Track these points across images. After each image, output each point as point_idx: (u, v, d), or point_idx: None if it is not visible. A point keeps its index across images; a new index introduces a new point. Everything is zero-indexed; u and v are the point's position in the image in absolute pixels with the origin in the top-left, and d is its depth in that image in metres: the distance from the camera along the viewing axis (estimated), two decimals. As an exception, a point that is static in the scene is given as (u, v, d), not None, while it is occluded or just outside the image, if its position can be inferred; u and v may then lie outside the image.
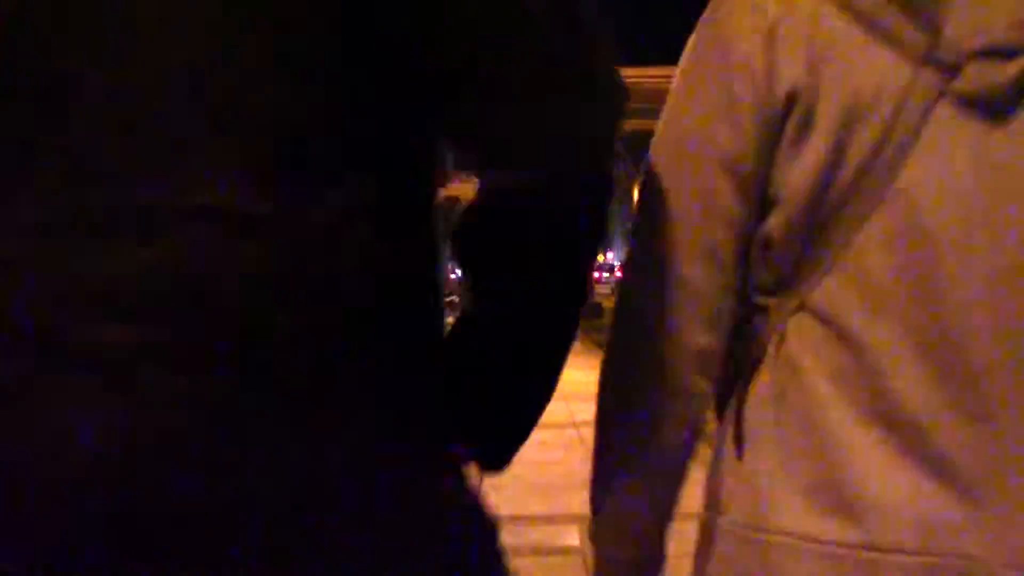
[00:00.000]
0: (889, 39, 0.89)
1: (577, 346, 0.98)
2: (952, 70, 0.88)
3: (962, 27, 0.88)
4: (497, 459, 0.93)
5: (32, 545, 0.72)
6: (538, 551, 4.28)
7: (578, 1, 0.77)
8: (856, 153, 0.91)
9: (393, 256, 0.77)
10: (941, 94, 0.89)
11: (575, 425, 7.30)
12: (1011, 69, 0.87)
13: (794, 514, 0.93)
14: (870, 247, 0.91)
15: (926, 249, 0.89)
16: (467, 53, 0.74)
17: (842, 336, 0.93)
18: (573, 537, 3.58)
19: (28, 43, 0.70)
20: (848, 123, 0.91)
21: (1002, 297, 0.88)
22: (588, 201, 0.81)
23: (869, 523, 0.90)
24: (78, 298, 0.71)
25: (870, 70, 0.90)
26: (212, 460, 0.71)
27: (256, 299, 0.71)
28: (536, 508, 5.16)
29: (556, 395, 0.97)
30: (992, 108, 0.89)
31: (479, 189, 0.82)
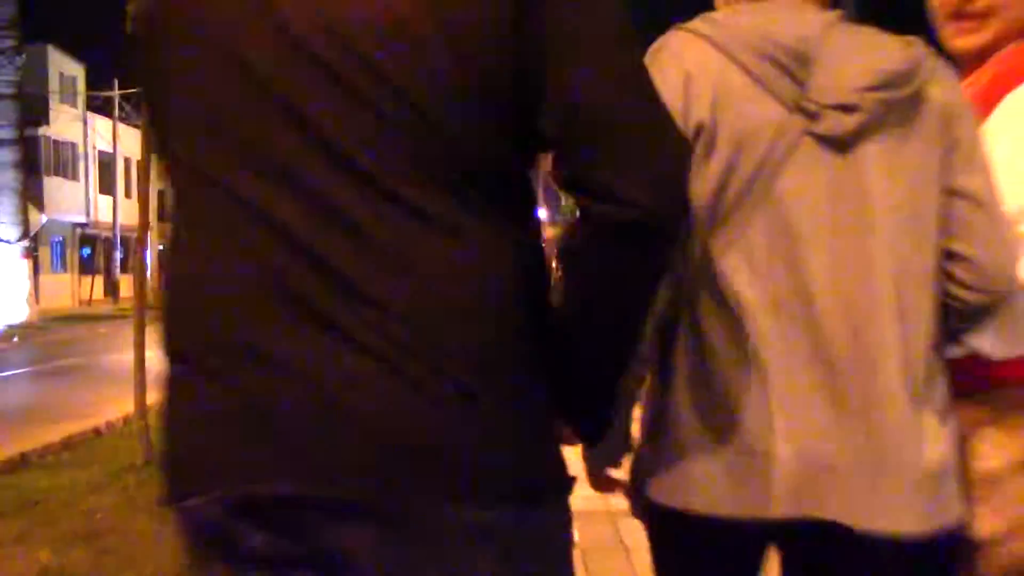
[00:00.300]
0: (771, 92, 1.29)
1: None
2: (813, 117, 1.29)
3: (821, 88, 1.28)
4: (595, 433, 1.27)
5: (345, 474, 1.01)
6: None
7: (647, 75, 1.06)
8: (744, 170, 1.29)
9: (531, 251, 1.11)
10: (805, 132, 1.29)
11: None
12: (851, 121, 1.28)
13: (694, 426, 1.32)
14: (755, 233, 1.29)
15: (792, 236, 1.29)
16: (576, 117, 1.03)
17: (732, 296, 1.29)
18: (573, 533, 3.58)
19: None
20: (738, 149, 1.29)
21: (841, 266, 1.29)
22: (667, 231, 1.07)
23: (745, 434, 1.30)
24: (329, 280, 1.03)
25: (756, 113, 1.27)
26: (443, 404, 1.02)
27: (463, 280, 1.05)
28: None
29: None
30: (839, 144, 1.29)
31: (581, 219, 1.08)
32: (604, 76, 1.03)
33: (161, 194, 55.65)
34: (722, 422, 1.30)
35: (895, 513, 1.28)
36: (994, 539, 1.41)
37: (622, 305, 1.12)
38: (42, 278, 31.76)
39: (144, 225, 7.02)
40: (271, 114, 1.06)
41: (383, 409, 1.00)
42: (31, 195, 25.04)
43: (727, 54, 1.29)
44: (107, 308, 33.46)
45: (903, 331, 1.31)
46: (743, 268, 1.28)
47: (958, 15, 1.60)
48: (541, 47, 1.02)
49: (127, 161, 41.37)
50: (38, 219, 24.89)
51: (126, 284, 38.13)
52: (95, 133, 39.89)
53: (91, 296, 37.54)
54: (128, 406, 7.53)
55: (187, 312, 1.12)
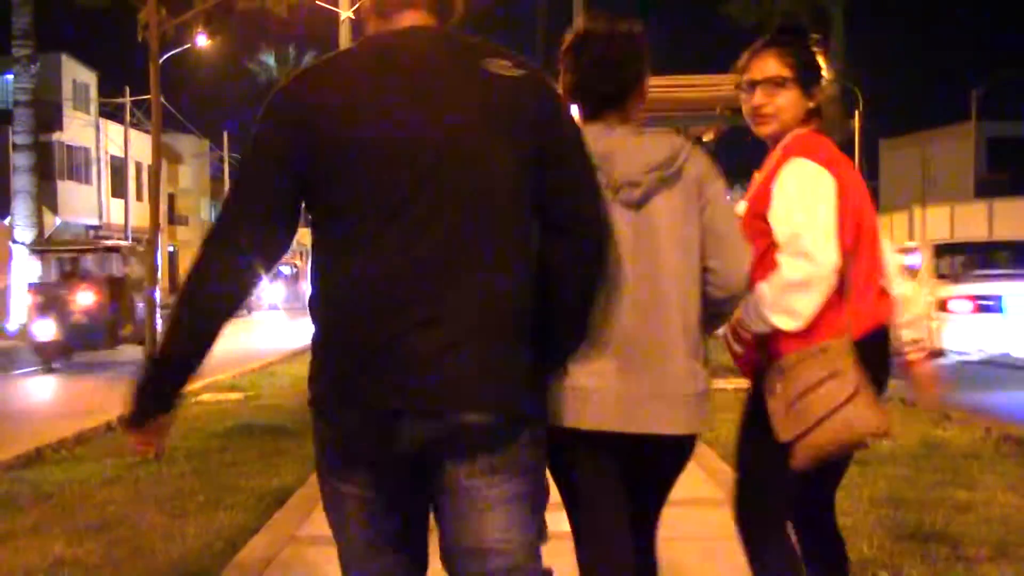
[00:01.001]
0: None
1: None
2: (616, 191, 2.13)
3: (619, 172, 2.13)
4: (558, 364, 2.10)
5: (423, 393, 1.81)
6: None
7: (595, 172, 2.01)
8: None
9: (532, 269, 1.90)
10: (614, 200, 2.13)
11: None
12: (637, 192, 2.14)
13: (557, 375, 2.12)
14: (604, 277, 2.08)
15: (615, 262, 2.10)
16: (577, 195, 1.93)
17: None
18: (566, 522, 3.56)
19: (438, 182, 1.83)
20: None
21: (642, 275, 2.14)
22: (603, 250, 2.02)
23: (579, 377, 2.12)
24: (429, 309, 1.81)
25: None
26: (490, 372, 1.83)
27: (509, 308, 1.86)
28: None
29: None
30: (634, 205, 2.15)
31: (558, 248, 1.93)
32: (586, 175, 1.95)
33: (171, 197, 55.09)
34: (569, 372, 2.12)
35: (677, 423, 2.18)
36: (788, 402, 2.38)
37: (592, 283, 2.01)
38: (56, 279, 31.61)
39: (155, 227, 7.02)
40: (406, 193, 1.82)
41: (460, 367, 1.80)
42: (45, 198, 24.97)
43: None
44: (119, 308, 33.37)
45: (682, 315, 2.18)
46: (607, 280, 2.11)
47: (753, 116, 2.61)
48: (555, 168, 1.88)
49: (138, 165, 41.31)
50: (52, 221, 24.80)
51: (137, 284, 38.04)
52: (107, 138, 39.83)
53: (103, 296, 37.41)
54: (139, 402, 7.52)
55: (347, 300, 1.85)
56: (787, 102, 2.55)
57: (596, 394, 2.11)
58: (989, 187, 40.10)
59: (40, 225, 22.62)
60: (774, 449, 2.39)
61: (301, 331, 16.77)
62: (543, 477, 1.97)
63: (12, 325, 21.33)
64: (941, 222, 39.16)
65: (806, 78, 2.56)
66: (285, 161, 1.85)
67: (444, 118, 1.82)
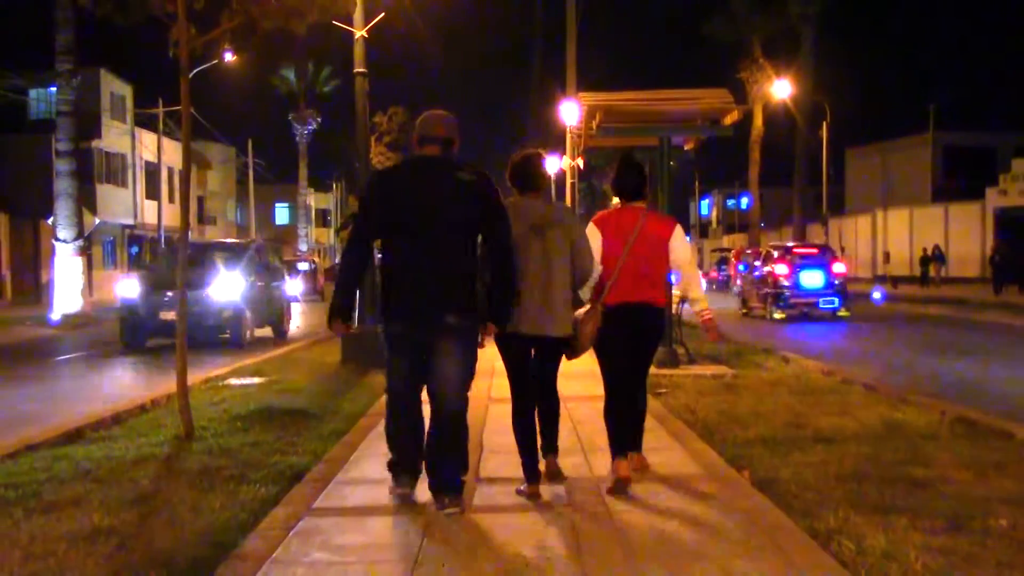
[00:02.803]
0: (522, 220, 4.67)
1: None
2: (532, 227, 4.71)
3: (533, 220, 4.73)
4: (504, 318, 4.62)
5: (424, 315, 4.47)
6: (529, 508, 4.35)
7: (509, 218, 4.66)
8: (518, 236, 4.68)
9: (474, 265, 4.60)
10: (531, 232, 4.70)
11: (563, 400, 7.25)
12: (541, 229, 4.73)
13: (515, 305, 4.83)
14: (524, 254, 4.67)
15: (529, 258, 4.69)
16: (498, 234, 4.52)
17: (520, 271, 4.66)
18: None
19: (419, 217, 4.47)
20: (516, 232, 4.64)
21: (541, 267, 4.70)
22: (511, 252, 4.66)
23: (523, 302, 4.68)
24: (432, 283, 4.43)
25: (519, 225, 4.64)
26: (450, 299, 4.42)
27: (460, 274, 4.47)
28: (529, 473, 5.12)
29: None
30: (540, 234, 4.72)
31: (492, 251, 4.53)
32: (503, 222, 4.46)
33: (200, 199, 54.59)
34: (520, 303, 4.61)
35: (556, 331, 4.69)
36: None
37: (511, 266, 4.49)
38: (95, 273, 31.58)
39: (185, 227, 6.99)
40: (416, 223, 4.37)
41: (443, 301, 4.35)
42: (85, 200, 24.83)
43: (514, 211, 4.60)
44: (152, 300, 33.24)
45: (562, 285, 4.70)
46: (522, 262, 4.61)
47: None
48: (487, 216, 4.41)
49: (170, 170, 41.21)
50: (91, 221, 24.68)
51: (169, 279, 37.91)
52: (142, 145, 39.72)
53: (138, 289, 37.30)
54: (170, 385, 7.52)
55: (402, 281, 4.40)
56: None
57: (526, 315, 4.55)
58: (945, 192, 40.05)
59: (80, 225, 22.51)
60: (599, 353, 4.95)
61: (319, 321, 16.74)
62: (475, 346, 4.43)
63: (55, 315, 21.30)
64: (901, 224, 39.16)
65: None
66: (375, 210, 4.38)
67: (435, 198, 4.28)
